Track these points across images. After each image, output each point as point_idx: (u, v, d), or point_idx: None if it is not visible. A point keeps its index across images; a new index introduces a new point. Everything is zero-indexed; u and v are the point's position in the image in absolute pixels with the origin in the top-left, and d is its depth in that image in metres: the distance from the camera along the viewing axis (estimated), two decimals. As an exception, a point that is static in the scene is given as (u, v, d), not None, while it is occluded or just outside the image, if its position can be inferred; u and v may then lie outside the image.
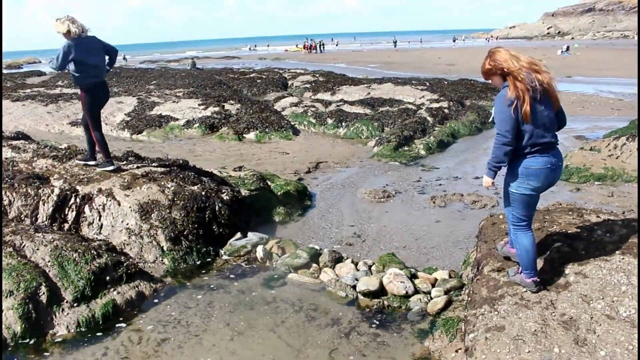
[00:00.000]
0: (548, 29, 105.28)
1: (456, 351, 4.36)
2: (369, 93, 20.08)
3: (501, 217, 5.68)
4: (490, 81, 4.21)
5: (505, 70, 3.96)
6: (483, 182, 4.32)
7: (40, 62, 74.70)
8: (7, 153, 8.19)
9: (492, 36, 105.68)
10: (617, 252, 4.49)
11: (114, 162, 7.65)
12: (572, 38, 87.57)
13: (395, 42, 76.61)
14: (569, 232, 4.98)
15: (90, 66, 7.18)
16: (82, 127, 7.87)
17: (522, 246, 4.27)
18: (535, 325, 3.91)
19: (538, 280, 4.31)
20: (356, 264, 6.09)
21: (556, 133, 4.13)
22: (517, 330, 3.91)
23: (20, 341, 4.78)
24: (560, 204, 6.52)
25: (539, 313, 4.03)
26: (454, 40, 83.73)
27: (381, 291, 5.47)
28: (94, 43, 7.20)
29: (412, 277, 5.65)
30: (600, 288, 4.14)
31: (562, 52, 49.40)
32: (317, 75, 27.85)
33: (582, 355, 3.59)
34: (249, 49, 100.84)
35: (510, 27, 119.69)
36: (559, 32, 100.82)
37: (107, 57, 7.46)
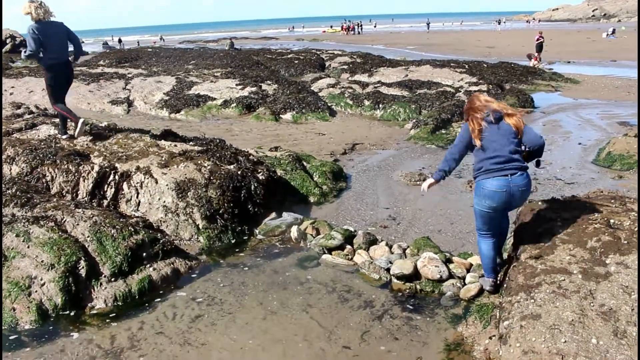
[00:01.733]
0: (593, 11, 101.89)
1: (490, 338, 4.31)
2: (407, 75, 19.85)
3: (540, 203, 5.56)
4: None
5: (468, 108, 4.81)
6: (423, 184, 5.03)
7: (83, 42, 75.97)
8: (50, 130, 8.37)
9: (534, 18, 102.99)
10: (661, 242, 4.35)
11: (67, 133, 8.20)
12: (619, 20, 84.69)
13: (428, 24, 76.01)
14: (610, 220, 4.83)
15: (50, 49, 7.57)
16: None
17: (480, 252, 5.02)
18: (573, 315, 3.82)
19: (494, 282, 5.01)
20: (390, 247, 6.06)
21: (520, 159, 4.65)
22: (554, 320, 3.83)
23: (61, 312, 4.93)
24: (602, 192, 6.33)
25: (577, 303, 3.93)
26: (499, 23, 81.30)
27: (415, 275, 5.43)
28: (57, 28, 7.65)
29: (447, 261, 5.59)
30: (642, 279, 4.01)
31: (607, 35, 47.82)
32: (355, 56, 27.65)
33: (621, 348, 3.49)
34: (288, 29, 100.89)
35: (553, 10, 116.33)
36: (605, 15, 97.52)
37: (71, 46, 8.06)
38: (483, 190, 4.62)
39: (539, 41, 28.02)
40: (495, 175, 4.56)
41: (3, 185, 6.62)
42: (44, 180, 7.01)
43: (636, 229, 4.64)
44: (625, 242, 4.47)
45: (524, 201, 4.93)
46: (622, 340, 3.55)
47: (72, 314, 4.96)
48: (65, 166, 7.04)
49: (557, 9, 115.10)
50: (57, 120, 9.01)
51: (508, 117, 4.66)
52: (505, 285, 4.72)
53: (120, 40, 63.11)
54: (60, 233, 5.51)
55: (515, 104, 15.05)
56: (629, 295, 3.89)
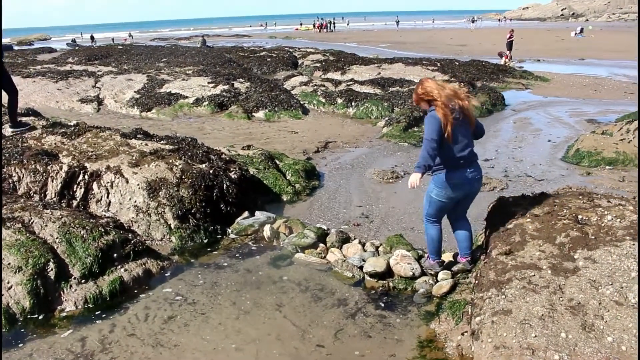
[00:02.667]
0: (562, 10, 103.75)
1: (462, 334, 4.35)
2: (380, 73, 19.93)
3: (510, 199, 5.63)
4: (420, 106, 4.96)
5: (432, 98, 4.69)
6: (410, 180, 4.70)
7: (50, 38, 74.79)
8: (17, 129, 8.20)
9: (505, 17, 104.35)
10: (627, 238, 4.43)
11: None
12: (587, 20, 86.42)
13: (397, 22, 77.22)
14: (579, 216, 4.92)
15: None
16: None
17: (430, 236, 5.26)
18: (543, 310, 3.88)
19: (443, 261, 5.44)
20: (363, 245, 6.08)
21: (474, 149, 4.89)
22: (524, 315, 3.89)
23: (29, 316, 4.82)
24: (571, 188, 6.43)
25: (546, 297, 4.00)
26: (473, 21, 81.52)
27: (388, 272, 5.45)
28: None
29: (419, 259, 5.63)
30: (609, 274, 4.09)
31: (576, 34, 48.76)
32: (328, 54, 27.67)
33: (589, 341, 3.56)
34: (260, 25, 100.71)
35: (523, 8, 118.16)
36: (573, 14, 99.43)
37: None
38: (449, 182, 4.79)
39: (510, 39, 28.42)
40: (461, 167, 4.77)
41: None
42: (10, 180, 6.85)
43: (603, 224, 4.73)
44: (593, 237, 4.56)
45: (479, 188, 5.16)
46: (590, 334, 3.62)
47: (40, 317, 4.85)
48: (33, 166, 6.90)
49: (527, 7, 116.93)
50: (23, 119, 8.86)
51: (463, 106, 4.75)
52: (476, 282, 4.77)
53: (92, 37, 62.05)
54: (28, 234, 5.40)
55: (487, 102, 15.24)
56: (597, 290, 3.97)
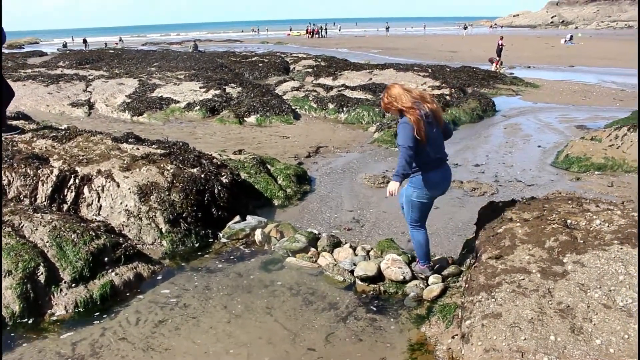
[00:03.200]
0: (552, 17, 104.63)
1: (452, 337, 4.38)
2: (371, 79, 20.00)
3: (501, 204, 5.67)
4: (389, 112, 5.06)
5: (401, 107, 4.76)
6: (389, 189, 4.83)
7: (41, 42, 74.46)
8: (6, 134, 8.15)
9: (495, 24, 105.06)
10: (615, 242, 4.48)
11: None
12: (576, 27, 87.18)
13: (387, 28, 78.07)
14: (567, 221, 4.97)
15: None
16: None
17: (417, 241, 5.33)
18: (532, 313, 3.91)
19: (432, 265, 5.50)
20: (354, 249, 6.09)
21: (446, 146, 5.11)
22: (514, 318, 3.92)
23: (18, 320, 4.79)
24: (560, 193, 6.50)
25: (535, 301, 4.03)
26: (465, 28, 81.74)
27: (379, 276, 5.47)
28: None
29: (410, 262, 5.65)
30: (597, 277, 4.13)
31: (565, 41, 49.20)
32: (319, 60, 27.74)
33: (578, 344, 3.60)
34: (253, 30, 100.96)
35: (514, 15, 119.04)
36: (563, 21, 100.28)
37: None
38: (427, 182, 4.93)
39: (501, 46, 28.65)
40: (437, 167, 4.96)
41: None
42: (0, 184, 6.82)
43: (591, 228, 4.78)
44: (582, 241, 4.60)
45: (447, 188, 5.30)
46: (578, 337, 3.65)
47: (30, 321, 4.82)
48: (23, 170, 6.87)
49: (518, 15, 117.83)
50: (13, 122, 8.83)
51: (432, 108, 4.88)
52: (467, 286, 4.79)
53: (85, 41, 61.88)
54: (18, 238, 5.37)
55: (477, 108, 15.33)
56: (585, 293, 4.00)
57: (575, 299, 3.98)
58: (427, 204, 5.15)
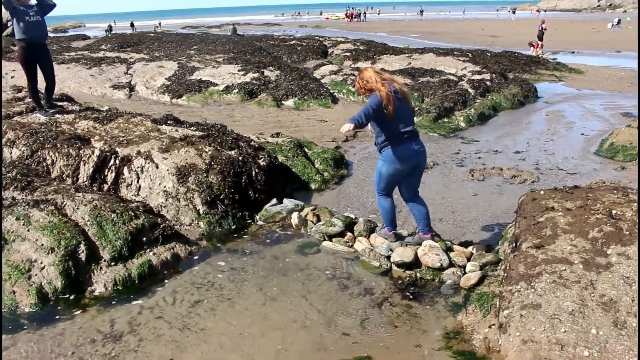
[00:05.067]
0: (599, 0, 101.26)
1: (489, 327, 4.30)
2: (410, 63, 19.73)
3: (542, 192, 5.54)
4: (364, 94, 5.34)
5: (372, 87, 5.13)
6: (343, 128, 4.95)
7: (85, 26, 75.98)
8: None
9: (539, 8, 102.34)
10: (663, 233, 4.33)
11: (44, 112, 8.44)
12: (625, 11, 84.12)
13: (421, 12, 78.21)
14: (613, 211, 4.81)
15: (25, 27, 7.92)
16: None
17: (384, 208, 5.69)
18: (573, 305, 3.81)
19: (397, 232, 5.88)
20: (391, 235, 6.03)
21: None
22: (554, 309, 3.83)
23: (60, 296, 4.92)
24: (604, 182, 6.32)
25: (577, 293, 3.93)
26: (514, 12, 79.61)
27: (415, 263, 5.42)
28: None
29: (448, 250, 5.58)
30: (643, 270, 4.00)
31: (612, 25, 47.58)
32: (358, 43, 27.47)
33: (621, 338, 3.49)
34: (295, 14, 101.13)
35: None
36: (610, 5, 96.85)
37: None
38: (396, 156, 5.19)
39: (543, 30, 27.93)
40: (406, 141, 5.21)
41: (3, 169, 6.59)
42: (44, 163, 6.99)
43: (637, 220, 4.62)
44: (627, 233, 4.46)
45: (425, 162, 5.57)
46: (622, 331, 3.54)
47: (71, 297, 4.95)
48: (66, 150, 7.02)
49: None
50: (57, 104, 9.01)
51: (401, 89, 5.23)
52: (505, 275, 4.71)
53: (132, 24, 62.95)
54: (60, 217, 5.50)
55: (519, 93, 14.99)
56: (630, 286, 3.88)
57: (619, 292, 3.86)
58: (395, 178, 5.42)
